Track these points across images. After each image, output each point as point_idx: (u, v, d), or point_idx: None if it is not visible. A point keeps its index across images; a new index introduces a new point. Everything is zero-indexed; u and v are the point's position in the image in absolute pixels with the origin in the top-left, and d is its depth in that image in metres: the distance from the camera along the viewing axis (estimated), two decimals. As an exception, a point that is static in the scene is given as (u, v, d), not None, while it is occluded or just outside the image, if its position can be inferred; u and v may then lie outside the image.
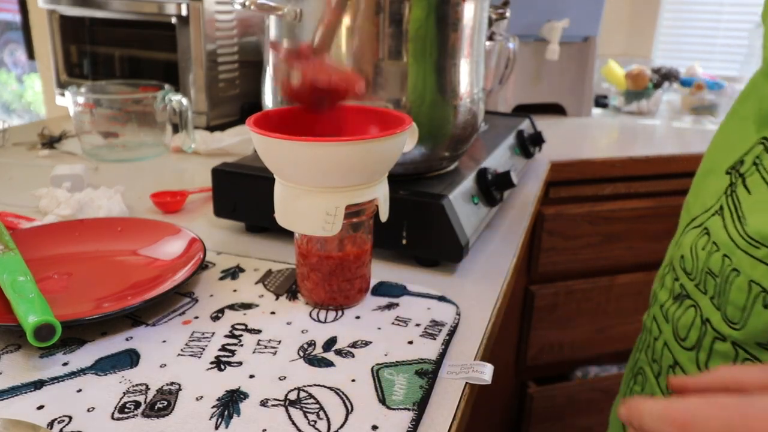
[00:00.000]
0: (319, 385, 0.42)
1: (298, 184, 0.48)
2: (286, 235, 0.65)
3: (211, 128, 1.09)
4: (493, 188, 0.70)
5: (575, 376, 1.30)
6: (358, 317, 0.52)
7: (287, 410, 0.40)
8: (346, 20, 0.58)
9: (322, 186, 0.47)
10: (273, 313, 0.52)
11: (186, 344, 0.47)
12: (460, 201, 0.63)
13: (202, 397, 0.41)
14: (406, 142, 0.50)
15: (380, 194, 0.50)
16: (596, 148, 1.23)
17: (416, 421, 0.39)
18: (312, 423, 0.38)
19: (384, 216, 0.52)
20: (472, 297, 0.57)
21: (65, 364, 0.44)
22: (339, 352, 0.46)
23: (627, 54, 1.87)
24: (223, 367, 0.44)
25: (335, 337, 0.48)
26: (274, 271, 0.59)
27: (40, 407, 0.39)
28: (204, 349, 0.46)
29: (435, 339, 0.48)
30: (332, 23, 0.54)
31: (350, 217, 0.49)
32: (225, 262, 0.61)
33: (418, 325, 0.50)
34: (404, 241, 0.61)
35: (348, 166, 0.46)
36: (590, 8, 1.36)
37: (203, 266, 0.59)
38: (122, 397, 0.40)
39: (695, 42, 1.89)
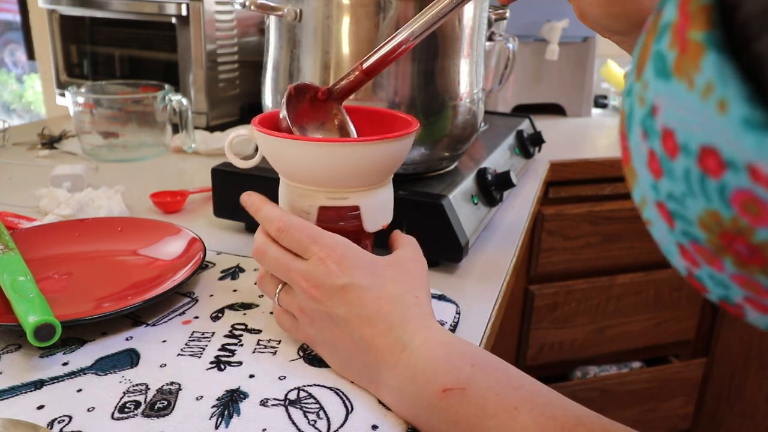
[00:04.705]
0: (318, 385, 0.42)
1: (303, 184, 0.48)
2: (286, 235, 0.65)
3: (211, 128, 1.09)
4: (493, 188, 0.70)
5: (575, 376, 1.30)
6: (358, 317, 0.51)
7: (287, 410, 0.40)
8: (347, 23, 0.58)
9: (327, 186, 0.47)
10: (273, 313, 0.52)
11: (186, 344, 0.47)
12: (460, 201, 0.63)
13: (202, 396, 0.41)
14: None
15: (386, 196, 0.51)
16: (596, 148, 1.23)
17: (416, 421, 0.39)
18: (312, 423, 0.38)
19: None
20: (472, 297, 0.57)
21: (65, 364, 0.44)
22: (339, 352, 0.46)
23: (626, 54, 1.87)
24: (223, 366, 0.44)
25: (335, 336, 0.48)
26: (274, 271, 0.59)
27: (40, 407, 0.39)
28: (204, 349, 0.46)
29: (435, 339, 0.48)
30: (359, 83, 0.52)
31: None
32: (225, 262, 0.61)
33: (417, 325, 0.50)
34: (404, 241, 0.61)
35: (357, 166, 0.46)
36: (590, 8, 1.36)
37: (203, 266, 0.59)
38: (122, 397, 0.40)
39: (695, 42, 1.89)
